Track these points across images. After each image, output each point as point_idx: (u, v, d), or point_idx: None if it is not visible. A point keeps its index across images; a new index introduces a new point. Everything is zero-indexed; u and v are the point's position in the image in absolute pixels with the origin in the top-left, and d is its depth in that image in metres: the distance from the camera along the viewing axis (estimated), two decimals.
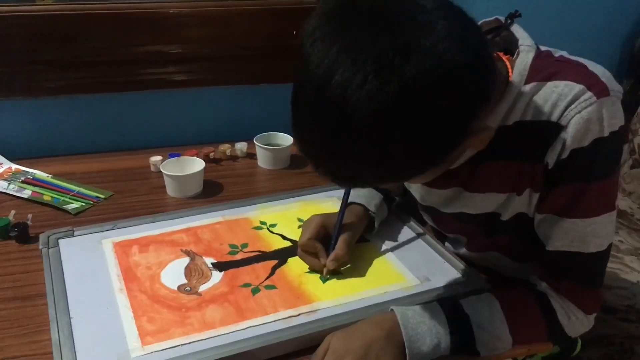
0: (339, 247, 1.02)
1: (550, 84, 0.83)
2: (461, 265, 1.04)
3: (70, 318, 0.89)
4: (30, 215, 1.16)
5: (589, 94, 0.80)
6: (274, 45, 1.57)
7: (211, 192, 1.33)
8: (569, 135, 0.81)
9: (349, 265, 1.04)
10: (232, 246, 1.09)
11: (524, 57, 0.83)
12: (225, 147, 1.51)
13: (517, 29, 0.88)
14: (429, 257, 1.07)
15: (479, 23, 0.89)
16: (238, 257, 1.06)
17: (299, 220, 1.18)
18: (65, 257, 1.04)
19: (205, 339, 0.86)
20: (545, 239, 0.91)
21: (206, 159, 1.43)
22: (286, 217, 1.19)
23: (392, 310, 0.88)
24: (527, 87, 0.83)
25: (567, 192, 0.85)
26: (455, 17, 0.69)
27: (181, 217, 1.18)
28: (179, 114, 1.64)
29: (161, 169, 1.31)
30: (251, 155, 1.52)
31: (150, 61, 1.53)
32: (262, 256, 1.06)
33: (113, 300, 0.94)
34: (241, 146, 1.53)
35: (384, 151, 0.67)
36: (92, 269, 1.01)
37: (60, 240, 1.08)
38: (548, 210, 0.88)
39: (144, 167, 1.44)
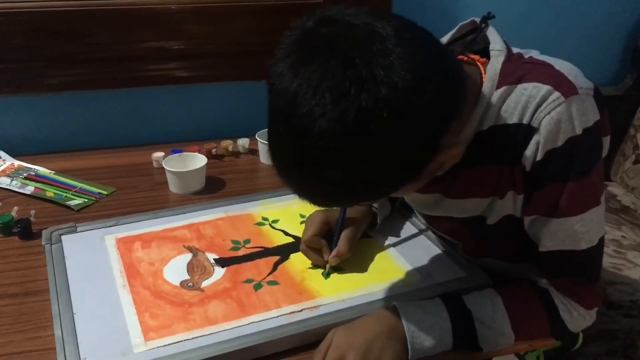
0: (341, 243, 1.03)
1: (519, 86, 0.83)
2: (463, 261, 1.04)
3: (73, 314, 0.89)
4: (33, 212, 1.17)
5: (556, 94, 0.81)
6: (277, 41, 1.55)
7: (213, 188, 1.33)
8: (541, 136, 0.81)
9: (350, 261, 1.04)
10: (235, 242, 1.09)
11: (494, 62, 0.85)
12: (227, 143, 1.51)
13: (490, 32, 0.90)
14: (432, 253, 1.07)
15: (456, 27, 0.94)
16: (240, 253, 1.06)
17: (301, 216, 1.18)
18: (68, 253, 1.04)
19: (207, 335, 0.86)
20: (537, 240, 0.91)
21: (208, 155, 1.43)
22: (288, 213, 1.19)
23: (394, 306, 0.88)
24: (499, 92, 0.84)
25: (549, 193, 0.85)
26: (414, 41, 0.70)
27: (183, 213, 1.18)
28: (181, 110, 1.64)
29: (163, 165, 1.31)
30: (253, 151, 1.52)
31: (153, 57, 1.53)
32: (265, 252, 1.07)
33: (116, 296, 0.94)
34: (243, 142, 1.53)
35: (352, 176, 0.69)
36: (94, 265, 1.01)
37: (63, 237, 1.08)
38: (534, 212, 0.89)
39: (146, 164, 1.44)
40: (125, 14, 1.47)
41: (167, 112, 1.63)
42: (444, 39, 0.96)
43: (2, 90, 1.45)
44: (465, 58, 0.89)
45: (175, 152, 1.40)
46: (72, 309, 0.91)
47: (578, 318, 0.91)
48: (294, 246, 1.08)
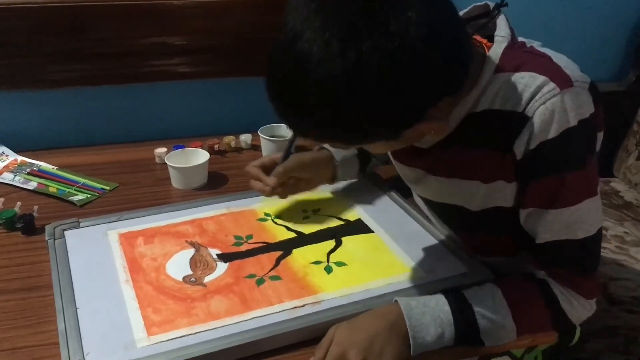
0: (278, 168, 1.11)
1: (517, 74, 0.84)
2: (466, 256, 1.04)
3: (76, 309, 0.90)
4: (36, 207, 1.17)
5: (551, 85, 0.81)
6: None
7: (216, 183, 1.33)
8: (535, 126, 0.82)
9: (353, 257, 1.04)
10: (237, 237, 1.09)
11: (496, 48, 0.86)
12: (229, 139, 1.51)
13: (500, 20, 0.91)
14: (434, 248, 1.07)
15: (469, 7, 0.93)
16: (243, 248, 1.06)
17: (304, 212, 1.18)
18: (71, 249, 1.04)
19: (210, 330, 0.86)
20: (534, 233, 0.91)
21: (211, 150, 1.43)
22: (291, 209, 1.19)
23: (395, 301, 0.88)
24: (497, 77, 0.85)
25: (546, 185, 0.86)
26: (434, 6, 0.71)
27: (186, 209, 1.18)
28: (184, 105, 1.64)
29: (166, 161, 1.31)
30: (256, 147, 1.52)
31: (155, 53, 1.53)
32: (267, 247, 1.07)
33: (119, 291, 0.94)
34: (246, 138, 1.53)
35: (334, 112, 0.71)
36: (97, 260, 1.01)
37: (66, 232, 1.09)
38: (530, 205, 0.89)
39: (149, 159, 1.44)
40: (128, 9, 1.47)
41: (169, 107, 1.63)
42: None
43: (5, 85, 1.46)
44: (475, 39, 0.90)
45: (177, 147, 1.40)
46: (75, 303, 0.91)
47: (578, 307, 0.91)
48: (297, 241, 1.08)
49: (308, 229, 1.12)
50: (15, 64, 1.44)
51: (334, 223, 1.15)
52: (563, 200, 0.86)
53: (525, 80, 0.83)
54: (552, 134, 0.82)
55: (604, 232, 1.56)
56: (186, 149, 1.38)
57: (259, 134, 1.45)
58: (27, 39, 1.42)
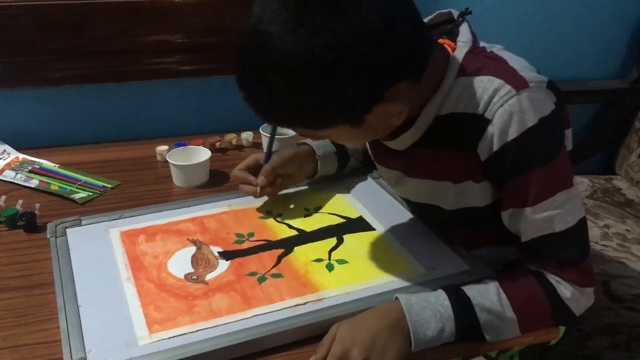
0: (265, 167, 1.13)
1: (477, 78, 0.87)
2: (467, 254, 1.04)
3: (78, 306, 0.90)
4: (37, 205, 1.17)
5: (508, 87, 0.85)
6: None
7: (217, 181, 1.33)
8: (495, 128, 0.86)
9: (355, 255, 1.04)
10: (239, 235, 1.09)
11: (459, 52, 0.90)
12: (231, 137, 1.51)
13: (463, 26, 0.94)
14: (435, 246, 1.07)
15: (434, 14, 0.99)
16: (244, 246, 1.06)
17: (305, 209, 1.18)
18: (72, 246, 1.04)
19: (211, 327, 0.86)
20: (518, 233, 0.93)
21: (212, 148, 1.43)
22: (292, 207, 1.19)
23: (396, 298, 0.88)
24: (459, 80, 0.88)
25: (518, 184, 0.88)
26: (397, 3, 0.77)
27: (188, 207, 1.18)
28: (185, 103, 1.64)
29: (167, 159, 1.31)
30: (257, 145, 1.52)
31: (157, 51, 1.53)
32: (269, 245, 1.07)
33: (120, 289, 0.94)
34: (247, 135, 1.53)
35: (294, 91, 0.75)
36: (99, 258, 1.01)
37: (67, 230, 1.09)
38: (508, 206, 0.92)
39: (151, 157, 1.44)
40: (130, 7, 1.47)
41: (171, 105, 1.63)
42: None
43: (6, 83, 1.46)
44: (443, 42, 0.93)
45: (179, 145, 1.40)
46: (77, 301, 0.91)
47: (577, 295, 0.91)
48: (298, 239, 1.08)
49: (310, 226, 1.12)
50: (16, 62, 1.44)
51: (336, 221, 1.15)
52: (535, 196, 0.88)
53: (484, 84, 0.86)
54: (513, 134, 0.85)
55: (605, 230, 1.57)
56: (187, 146, 1.38)
57: (261, 131, 1.45)
58: (28, 37, 1.42)
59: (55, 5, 1.42)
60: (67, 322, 0.87)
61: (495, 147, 0.86)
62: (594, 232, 1.57)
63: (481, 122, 0.86)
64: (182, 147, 1.36)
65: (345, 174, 1.29)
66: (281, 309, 0.90)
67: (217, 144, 1.49)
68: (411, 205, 1.10)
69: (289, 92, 0.75)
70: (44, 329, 0.89)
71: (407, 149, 0.96)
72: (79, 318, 0.88)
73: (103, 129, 1.59)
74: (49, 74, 1.48)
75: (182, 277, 0.98)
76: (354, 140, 0.94)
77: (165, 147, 1.43)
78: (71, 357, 0.80)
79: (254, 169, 1.16)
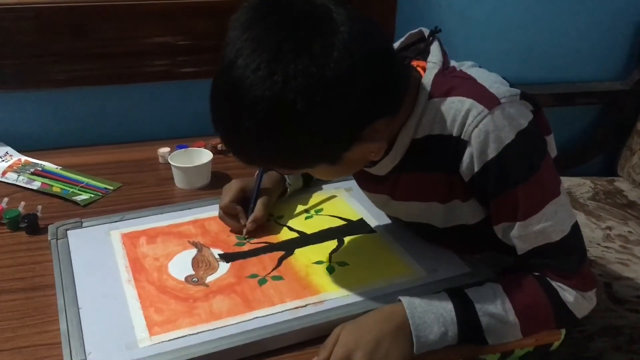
0: (257, 209, 1.10)
1: (448, 99, 0.87)
2: (467, 256, 1.04)
3: (78, 308, 0.90)
4: (40, 207, 1.17)
5: (480, 107, 0.84)
6: None
7: (219, 183, 1.33)
8: (474, 149, 0.85)
9: (355, 257, 1.04)
10: (239, 237, 1.09)
11: (428, 74, 0.89)
12: None
13: (433, 46, 0.93)
14: (436, 248, 1.06)
15: (405, 35, 0.98)
16: (245, 248, 1.07)
17: (306, 212, 1.18)
18: (73, 248, 1.05)
19: (212, 330, 0.87)
20: (513, 245, 0.93)
21: (214, 150, 1.43)
22: (293, 209, 1.20)
23: (399, 300, 0.88)
24: (431, 103, 0.88)
25: (505, 200, 0.88)
26: (362, 33, 0.75)
27: (189, 209, 1.18)
28: (187, 105, 1.64)
29: (169, 161, 1.31)
30: None
31: (158, 53, 1.53)
32: (269, 247, 1.07)
33: (121, 291, 0.94)
34: None
35: (271, 136, 0.75)
36: (100, 260, 1.02)
37: (68, 232, 1.09)
38: (498, 221, 0.92)
39: (152, 159, 1.44)
40: (131, 9, 1.48)
41: (172, 107, 1.63)
42: (394, 46, 0.99)
43: (8, 85, 1.46)
44: (417, 64, 0.93)
45: (180, 147, 1.40)
46: (77, 303, 0.91)
47: (579, 299, 0.91)
48: (299, 241, 1.09)
49: (310, 229, 1.12)
50: (19, 64, 1.44)
51: (336, 223, 1.15)
52: (524, 211, 0.88)
53: (456, 105, 0.86)
54: (492, 153, 0.84)
55: (607, 232, 1.57)
56: (189, 148, 1.38)
57: None
58: (30, 39, 1.43)
59: (57, 8, 1.42)
60: (67, 324, 0.87)
61: (477, 167, 0.86)
62: (596, 233, 1.57)
63: (459, 144, 0.86)
64: (183, 149, 1.36)
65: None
66: (282, 311, 0.90)
67: (219, 146, 1.49)
68: (403, 223, 1.09)
69: (264, 138, 0.75)
70: (45, 330, 0.89)
71: (389, 173, 0.95)
72: (80, 320, 0.88)
73: (105, 130, 1.59)
74: (51, 76, 1.48)
75: (183, 279, 0.98)
76: (334, 175, 0.93)
77: (167, 149, 1.43)
78: (71, 359, 0.80)
79: (242, 201, 1.12)
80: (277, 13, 0.73)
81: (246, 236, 1.09)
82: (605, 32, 1.82)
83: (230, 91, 0.74)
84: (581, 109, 1.89)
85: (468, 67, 0.93)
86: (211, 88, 0.79)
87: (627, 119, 1.89)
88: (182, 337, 0.85)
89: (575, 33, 1.79)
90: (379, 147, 0.84)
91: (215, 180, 1.34)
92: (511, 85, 0.90)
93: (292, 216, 1.17)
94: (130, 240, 1.07)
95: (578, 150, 1.96)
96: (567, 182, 1.80)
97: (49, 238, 1.07)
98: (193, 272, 0.99)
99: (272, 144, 0.76)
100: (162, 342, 0.84)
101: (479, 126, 0.84)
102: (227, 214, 1.11)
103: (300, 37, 0.71)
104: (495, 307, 0.88)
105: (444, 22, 1.69)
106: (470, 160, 0.86)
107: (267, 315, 0.90)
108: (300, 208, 1.20)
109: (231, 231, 1.11)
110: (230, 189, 1.12)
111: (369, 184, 1.04)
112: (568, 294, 0.90)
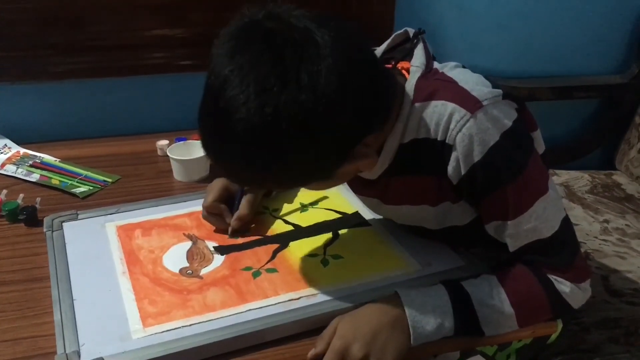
0: (242, 207, 1.09)
1: (431, 103, 0.87)
2: (462, 249, 1.04)
3: (73, 300, 0.91)
4: (38, 199, 1.18)
5: (462, 111, 0.84)
6: None
7: (217, 176, 1.33)
8: (459, 153, 0.85)
9: (349, 250, 1.05)
10: None
11: (411, 79, 0.90)
12: None
13: (417, 48, 0.93)
14: (431, 242, 1.06)
15: (391, 37, 0.98)
16: (240, 241, 1.07)
17: (301, 204, 1.19)
18: (68, 240, 1.05)
19: (206, 322, 0.87)
20: (506, 242, 0.93)
21: None
22: (288, 202, 1.20)
23: (396, 292, 0.89)
24: (415, 107, 0.88)
25: (494, 201, 0.88)
26: (347, 54, 0.75)
27: (184, 201, 1.19)
28: (186, 97, 1.62)
29: (168, 153, 1.32)
30: None
31: (157, 45, 1.54)
32: (264, 240, 1.07)
33: (115, 283, 0.95)
34: None
35: (262, 163, 0.77)
36: (95, 252, 1.02)
37: (64, 224, 1.10)
38: (488, 220, 0.92)
39: (151, 151, 1.45)
40: (130, 2, 1.48)
41: (171, 100, 1.64)
42: (381, 48, 0.99)
43: (7, 77, 1.47)
44: (401, 67, 0.93)
45: (179, 140, 1.40)
46: (72, 295, 0.92)
47: (574, 289, 0.91)
48: (294, 234, 1.09)
49: (305, 221, 1.13)
50: (17, 57, 1.45)
51: (331, 216, 1.15)
52: (514, 210, 0.88)
53: (438, 109, 0.86)
54: (478, 156, 0.85)
55: (605, 225, 1.57)
56: (188, 141, 1.38)
57: None
58: (29, 31, 1.43)
59: (56, 0, 1.43)
60: (61, 315, 0.87)
61: (463, 170, 0.86)
62: (593, 227, 1.57)
63: (444, 148, 0.87)
64: (182, 142, 1.37)
65: None
66: (275, 304, 0.91)
67: None
68: (396, 224, 1.09)
69: (256, 166, 0.77)
70: (45, 322, 0.89)
71: (379, 177, 0.96)
72: (74, 312, 0.88)
73: (104, 123, 1.60)
74: (49, 68, 1.49)
75: (177, 271, 0.98)
76: (326, 187, 0.93)
77: (165, 142, 1.43)
78: (65, 350, 0.81)
79: (227, 200, 1.11)
80: (259, 42, 0.73)
81: (231, 234, 1.08)
82: (604, 26, 1.81)
83: (220, 123, 0.74)
84: (579, 103, 1.88)
85: (451, 69, 0.92)
86: (198, 116, 0.80)
87: (626, 112, 1.88)
88: (176, 328, 0.86)
89: (574, 26, 1.78)
90: (369, 160, 0.86)
91: (214, 173, 1.34)
92: (494, 86, 0.90)
93: (287, 209, 1.17)
94: (125, 232, 1.08)
95: (576, 144, 1.96)
96: (565, 175, 1.80)
97: (45, 230, 1.08)
98: (187, 265, 1.00)
99: (264, 170, 0.78)
100: (155, 333, 0.85)
101: (463, 130, 0.84)
102: (211, 214, 1.10)
103: (285, 66, 0.71)
104: (491, 298, 0.88)
105: (443, 15, 1.69)
106: (457, 164, 0.86)
107: (260, 308, 0.90)
108: (295, 201, 1.20)
109: (215, 231, 1.10)
110: (213, 188, 1.11)
111: (361, 187, 1.05)
112: (563, 286, 0.91)
